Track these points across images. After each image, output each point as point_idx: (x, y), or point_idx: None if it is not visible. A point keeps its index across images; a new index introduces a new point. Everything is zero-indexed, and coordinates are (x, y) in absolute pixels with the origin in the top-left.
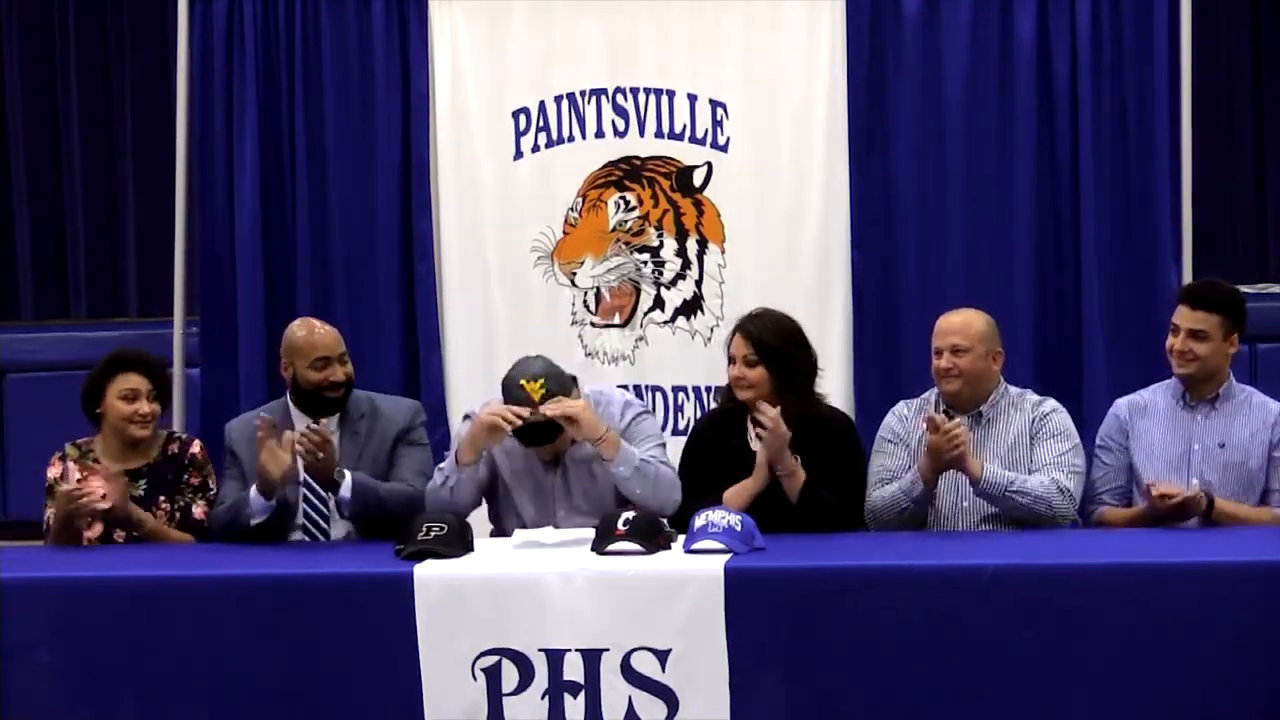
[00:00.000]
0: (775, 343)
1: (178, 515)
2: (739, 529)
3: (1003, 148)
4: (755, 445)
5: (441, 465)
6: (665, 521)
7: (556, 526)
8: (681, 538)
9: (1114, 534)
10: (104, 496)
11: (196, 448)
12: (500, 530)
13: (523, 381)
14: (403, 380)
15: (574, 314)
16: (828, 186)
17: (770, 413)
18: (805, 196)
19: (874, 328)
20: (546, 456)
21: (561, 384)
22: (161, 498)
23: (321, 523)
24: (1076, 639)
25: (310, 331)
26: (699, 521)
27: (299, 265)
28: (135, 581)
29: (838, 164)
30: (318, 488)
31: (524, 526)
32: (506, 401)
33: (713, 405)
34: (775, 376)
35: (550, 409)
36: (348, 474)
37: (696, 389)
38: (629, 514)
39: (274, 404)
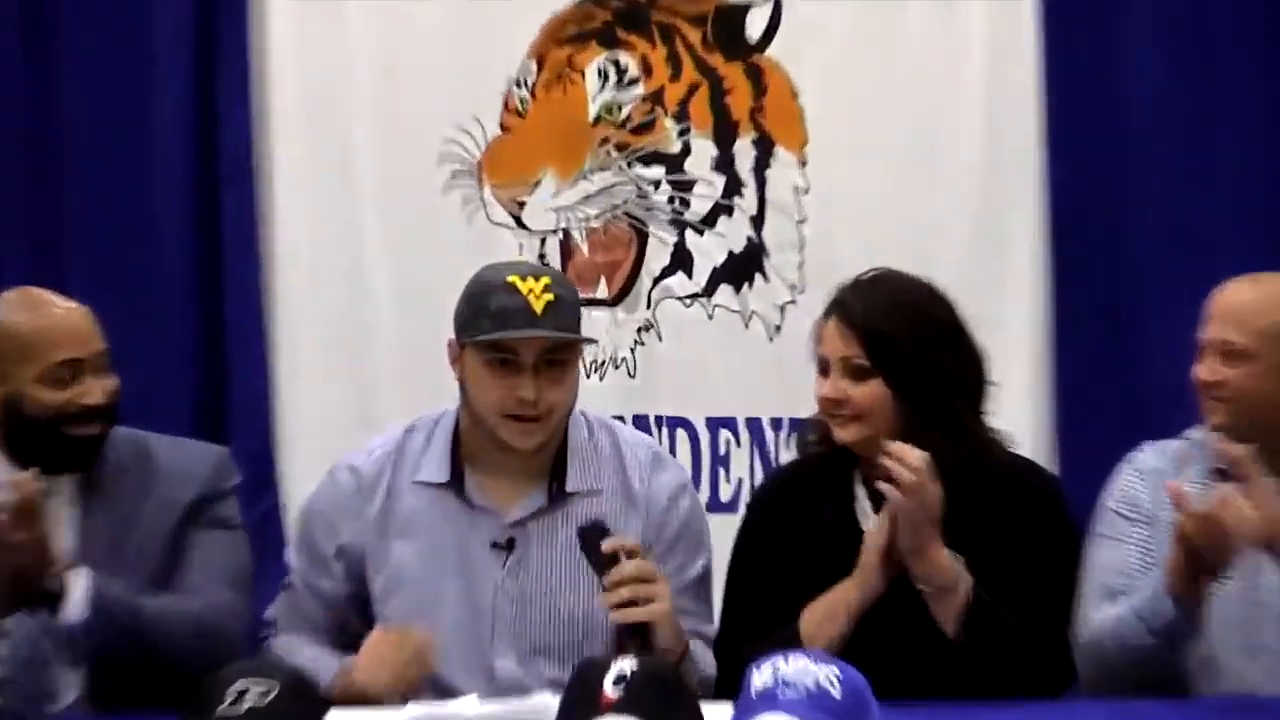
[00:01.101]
0: (901, 331)
1: None
2: (834, 692)
3: None
4: (868, 523)
5: (272, 616)
6: (692, 676)
7: (492, 671)
8: (722, 710)
9: None
10: None
11: None
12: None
13: (512, 278)
14: (193, 409)
15: None
16: (1000, 47)
17: (911, 456)
18: (960, 64)
19: (1090, 313)
20: (510, 510)
21: (575, 299)
22: None
23: (25, 682)
24: None
25: (44, 312)
26: (761, 679)
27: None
28: None
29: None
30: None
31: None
32: (470, 320)
33: (785, 455)
34: (903, 398)
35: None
36: (79, 576)
37: (754, 424)
38: (626, 665)
39: None
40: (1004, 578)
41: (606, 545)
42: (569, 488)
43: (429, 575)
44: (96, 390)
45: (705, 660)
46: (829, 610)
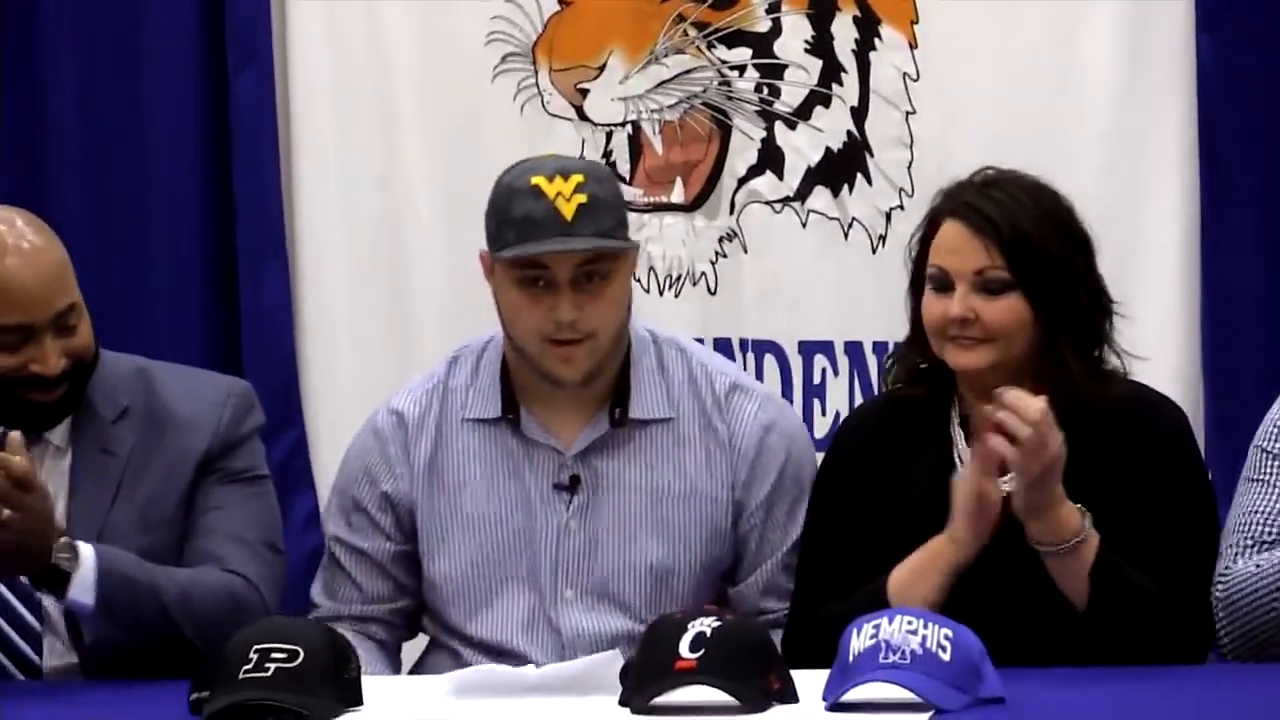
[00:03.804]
0: (1047, 240)
1: None
2: (946, 655)
3: None
4: (962, 472)
5: (319, 599)
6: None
7: (557, 627)
8: (815, 677)
9: None
10: None
11: None
12: (441, 627)
13: (536, 180)
14: (203, 329)
15: None
16: None
17: (1029, 405)
18: None
19: (1245, 230)
20: (567, 438)
21: (615, 197)
22: None
23: (24, 644)
24: None
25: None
26: (860, 642)
27: None
28: None
29: None
30: (25, 579)
31: (476, 637)
32: (495, 231)
33: (881, 385)
34: (1046, 317)
35: None
36: (86, 550)
37: (854, 348)
38: (706, 621)
39: None
40: (1127, 529)
41: None
42: (633, 414)
43: (485, 523)
44: (50, 356)
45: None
46: (919, 568)
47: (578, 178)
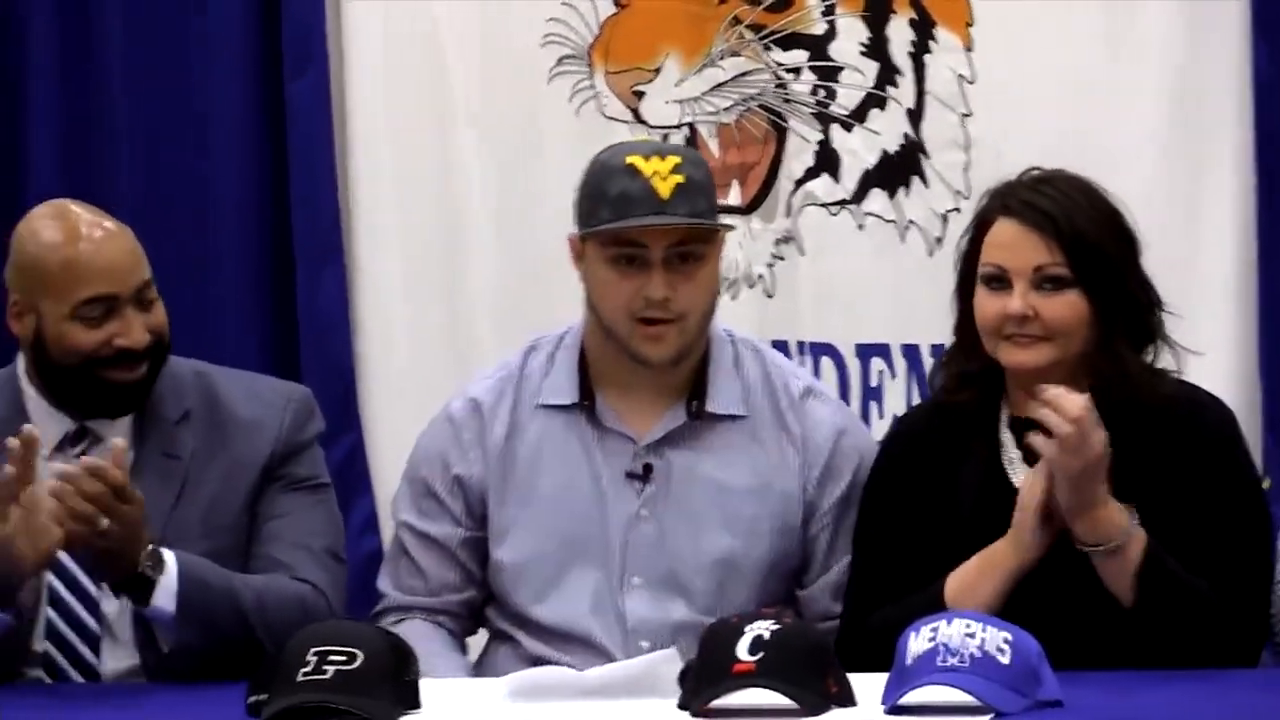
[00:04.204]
0: (1104, 238)
1: None
2: (1004, 659)
3: None
4: (1018, 478)
5: (386, 589)
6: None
7: (624, 615)
8: (873, 681)
9: None
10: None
11: None
12: (507, 616)
13: (633, 159)
14: (260, 335)
15: None
16: None
17: (1071, 403)
18: None
19: None
20: (643, 429)
21: (709, 181)
22: None
23: (83, 647)
24: None
25: (76, 239)
26: (918, 643)
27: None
28: None
29: None
30: (85, 580)
31: (543, 621)
32: (588, 209)
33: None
34: (1102, 316)
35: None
36: (170, 557)
37: (911, 351)
38: (764, 625)
39: None
40: (1175, 528)
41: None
42: (710, 408)
43: (557, 508)
44: (136, 328)
45: None
46: (980, 573)
47: (674, 159)
